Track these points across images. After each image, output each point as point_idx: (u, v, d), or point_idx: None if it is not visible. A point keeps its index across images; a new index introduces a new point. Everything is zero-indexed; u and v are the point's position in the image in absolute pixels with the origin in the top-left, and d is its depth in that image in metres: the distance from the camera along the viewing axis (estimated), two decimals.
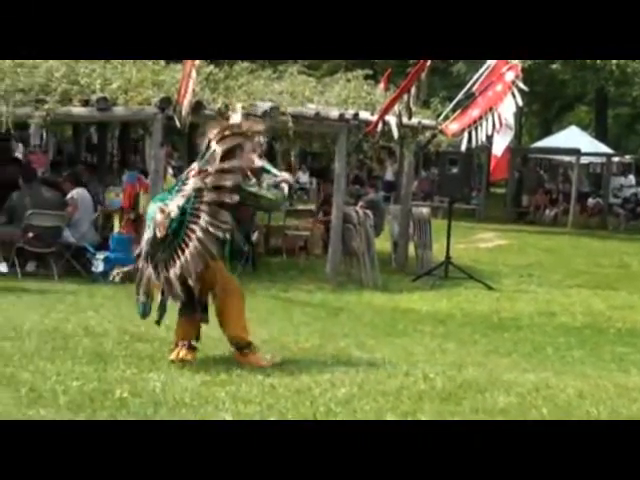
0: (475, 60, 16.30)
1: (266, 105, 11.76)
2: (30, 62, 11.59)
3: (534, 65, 22.46)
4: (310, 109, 12.19)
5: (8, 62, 11.44)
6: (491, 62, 11.45)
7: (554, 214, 27.36)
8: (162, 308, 6.95)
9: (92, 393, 5.77)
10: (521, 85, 11.20)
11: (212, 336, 8.07)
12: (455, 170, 13.56)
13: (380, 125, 11.84)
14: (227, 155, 6.61)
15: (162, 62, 12.30)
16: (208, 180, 6.57)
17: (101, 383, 6.04)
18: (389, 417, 5.64)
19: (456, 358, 7.75)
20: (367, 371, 6.98)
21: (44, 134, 22.76)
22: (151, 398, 5.78)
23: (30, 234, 11.31)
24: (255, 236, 14.25)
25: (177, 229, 6.57)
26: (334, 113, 12.13)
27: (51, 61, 11.66)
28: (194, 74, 10.64)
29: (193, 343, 7.04)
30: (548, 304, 11.56)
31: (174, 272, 6.56)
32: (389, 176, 27.55)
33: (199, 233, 6.54)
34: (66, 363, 6.56)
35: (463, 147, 11.58)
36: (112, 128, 17.20)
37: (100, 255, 11.62)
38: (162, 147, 11.61)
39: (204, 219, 6.56)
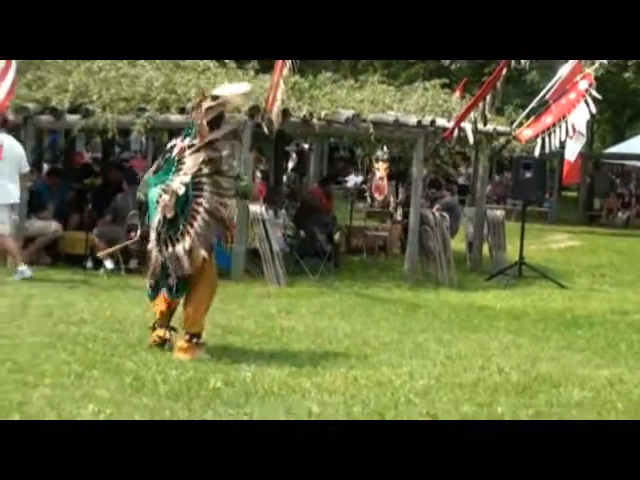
0: (544, 66, 16.06)
1: (348, 112, 11.80)
2: (132, 72, 11.86)
3: (606, 74, 22.05)
4: (390, 116, 12.19)
5: (113, 73, 11.73)
6: (563, 71, 11.30)
7: (626, 217, 26.78)
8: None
9: (189, 382, 5.88)
10: (594, 93, 11.03)
11: (297, 329, 8.18)
12: (529, 174, 13.43)
13: (456, 131, 11.80)
14: (212, 126, 6.61)
15: (252, 72, 12.44)
16: (203, 154, 6.55)
17: (197, 373, 6.15)
18: (466, 408, 5.65)
19: (530, 353, 7.67)
20: (444, 364, 6.98)
21: (143, 140, 23.17)
22: (242, 387, 5.88)
23: (133, 233, 11.51)
24: (337, 236, 14.30)
25: (183, 206, 6.52)
26: (412, 120, 12.11)
27: (151, 72, 11.92)
28: (282, 84, 10.75)
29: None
30: (621, 303, 11.33)
31: (182, 247, 6.52)
32: (462, 180, 27.36)
33: (205, 204, 6.53)
34: (165, 354, 6.70)
35: (537, 152, 11.43)
36: None
37: None
38: (251, 152, 11.72)
39: (208, 190, 6.55)
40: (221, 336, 7.69)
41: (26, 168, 10.87)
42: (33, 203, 11.48)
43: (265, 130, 11.09)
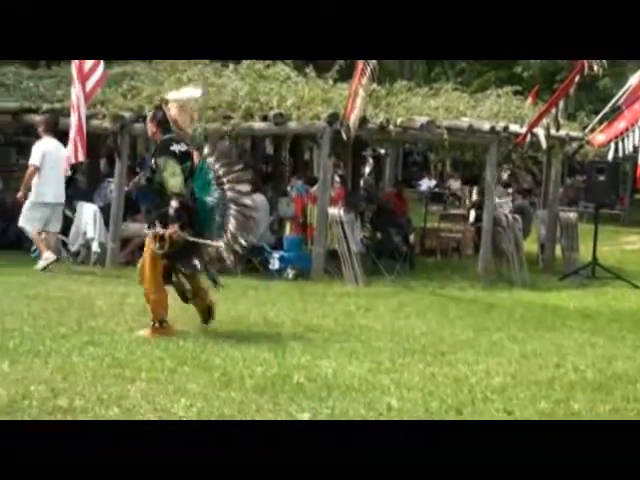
0: (617, 72, 15.68)
1: (423, 119, 11.75)
2: (219, 82, 12.00)
3: None
4: (463, 122, 12.10)
5: (201, 82, 11.86)
6: (634, 80, 11.11)
7: None
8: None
9: (274, 378, 5.89)
10: None
11: (375, 328, 8.16)
12: (602, 178, 13.19)
13: (529, 137, 11.66)
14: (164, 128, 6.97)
15: (330, 81, 12.47)
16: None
17: (281, 369, 6.16)
18: (543, 405, 5.55)
19: (605, 352, 7.50)
20: (519, 362, 6.88)
21: None
22: (324, 383, 5.86)
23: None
24: (412, 238, 14.26)
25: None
26: (486, 126, 11.98)
27: (236, 81, 12.05)
28: (361, 92, 10.74)
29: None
30: None
31: (223, 243, 7.04)
32: (526, 185, 26.97)
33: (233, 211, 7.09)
34: (250, 350, 6.72)
35: (610, 157, 11.22)
36: (285, 140, 17.51)
37: (276, 254, 11.87)
38: (330, 158, 11.75)
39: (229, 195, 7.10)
40: (303, 333, 7.70)
41: (67, 172, 11.10)
42: (129, 206, 11.70)
43: (343, 136, 11.11)
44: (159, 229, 6.91)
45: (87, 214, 11.57)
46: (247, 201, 7.28)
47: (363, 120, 11.26)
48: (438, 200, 23.72)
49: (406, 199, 15.31)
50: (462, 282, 11.76)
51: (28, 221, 10.81)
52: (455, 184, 27.68)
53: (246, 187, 7.27)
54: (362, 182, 19.23)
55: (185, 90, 7.55)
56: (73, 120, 10.66)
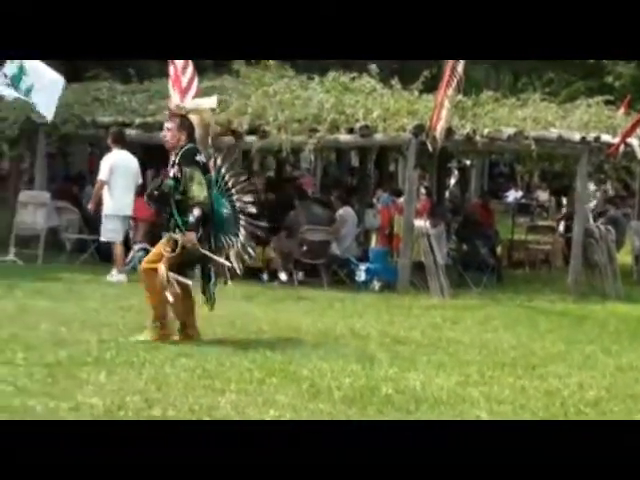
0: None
1: (510, 130, 11.61)
2: (305, 95, 12.09)
3: None
4: (552, 133, 11.90)
5: (287, 96, 12.01)
6: None
7: None
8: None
9: (362, 389, 5.88)
10: None
11: (463, 340, 8.08)
12: None
13: (622, 147, 11.40)
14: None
15: (416, 92, 12.43)
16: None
17: (369, 380, 6.15)
18: (638, 418, 5.40)
19: None
20: (614, 375, 6.73)
21: (312, 158, 23.54)
22: (413, 395, 5.83)
23: (304, 247, 11.73)
24: (499, 250, 14.08)
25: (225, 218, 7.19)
26: (576, 136, 11.76)
27: (322, 94, 12.12)
28: (447, 103, 10.68)
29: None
30: None
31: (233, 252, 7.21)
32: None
33: (242, 222, 7.25)
34: (338, 362, 6.72)
35: None
36: (370, 152, 17.51)
37: (362, 266, 11.87)
38: (416, 169, 11.71)
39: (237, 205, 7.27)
40: (390, 346, 7.67)
41: (139, 181, 11.32)
42: None
43: (429, 148, 11.06)
44: (175, 235, 6.97)
45: None
46: (253, 210, 7.40)
47: (449, 131, 11.20)
48: (525, 211, 23.38)
49: (492, 210, 15.14)
50: (552, 295, 11.54)
51: (107, 233, 11.09)
52: (543, 195, 27.24)
53: (250, 197, 7.39)
54: (447, 194, 19.10)
55: (202, 100, 7.62)
56: None
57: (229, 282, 7.45)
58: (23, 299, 8.58)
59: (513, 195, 26.95)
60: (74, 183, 14.70)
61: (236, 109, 11.85)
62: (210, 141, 7.35)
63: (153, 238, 12.42)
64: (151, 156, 14.23)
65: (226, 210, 7.24)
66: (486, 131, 11.59)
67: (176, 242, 6.96)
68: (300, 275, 11.91)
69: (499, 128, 11.72)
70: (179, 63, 10.67)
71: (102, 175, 11.12)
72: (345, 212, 12.46)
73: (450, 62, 10.76)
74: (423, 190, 14.10)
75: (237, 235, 7.26)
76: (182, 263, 7.09)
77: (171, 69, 10.67)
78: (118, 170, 11.06)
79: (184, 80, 10.77)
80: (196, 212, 6.88)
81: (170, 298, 6.99)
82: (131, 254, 12.00)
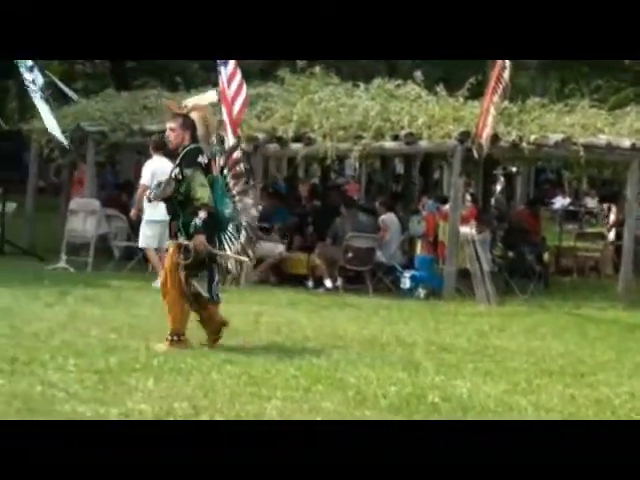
0: None
1: (558, 136, 11.51)
2: (350, 102, 12.11)
3: None
4: (601, 139, 11.76)
5: (332, 103, 12.02)
6: None
7: None
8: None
9: (408, 397, 5.86)
10: None
11: (510, 348, 8.01)
12: None
13: None
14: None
15: (461, 99, 12.37)
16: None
17: (415, 388, 6.13)
18: None
19: None
20: None
21: (356, 165, 23.54)
22: (459, 403, 5.80)
23: (349, 254, 11.73)
24: (546, 256, 13.94)
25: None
26: (626, 143, 11.61)
27: (367, 101, 12.13)
28: (492, 110, 10.63)
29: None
30: None
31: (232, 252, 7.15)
32: None
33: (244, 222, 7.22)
34: (384, 369, 6.71)
35: None
36: (415, 159, 17.47)
37: (407, 273, 11.84)
38: (461, 176, 11.66)
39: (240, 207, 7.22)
40: (436, 353, 7.64)
41: None
42: (262, 227, 11.91)
43: (475, 154, 11.00)
44: (183, 240, 6.93)
45: None
46: (254, 212, 7.39)
47: (495, 138, 11.14)
48: (573, 218, 23.14)
49: (539, 217, 15.00)
50: (601, 302, 11.39)
51: (146, 239, 11.19)
52: (592, 202, 26.92)
53: (251, 199, 7.37)
54: (493, 200, 18.95)
55: (203, 97, 7.58)
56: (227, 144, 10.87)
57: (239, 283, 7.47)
58: (74, 306, 8.70)
59: (560, 202, 26.66)
60: (123, 191, 14.87)
61: (281, 116, 11.91)
62: (213, 138, 7.23)
63: None
64: None
65: (228, 210, 7.18)
66: (533, 137, 11.49)
67: (186, 248, 6.91)
68: (344, 282, 11.89)
69: (546, 134, 11.61)
70: (226, 73, 10.73)
71: (144, 180, 11.25)
72: (388, 218, 12.46)
73: (496, 69, 10.70)
74: (468, 197, 14.03)
75: (237, 236, 7.21)
76: (191, 266, 7.03)
77: (220, 80, 10.77)
78: (158, 176, 11.15)
79: (230, 91, 10.85)
80: (202, 214, 6.83)
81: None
82: None
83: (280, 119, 11.87)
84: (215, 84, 11.63)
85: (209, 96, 7.46)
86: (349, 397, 5.79)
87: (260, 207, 11.74)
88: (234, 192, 7.26)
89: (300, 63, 13.22)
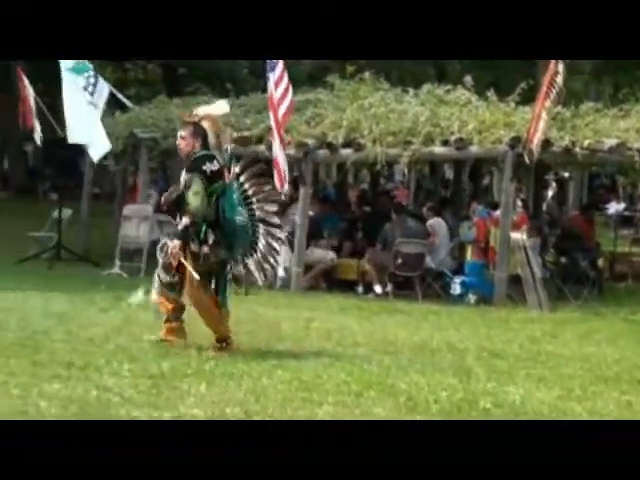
0: None
1: (612, 141, 11.37)
2: (400, 108, 12.09)
3: None
4: None
5: (382, 109, 12.01)
6: None
7: None
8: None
9: (459, 403, 5.83)
10: None
11: (563, 354, 7.91)
12: None
13: None
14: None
15: (512, 104, 12.28)
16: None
17: (466, 394, 6.09)
18: None
19: None
20: None
21: (405, 171, 23.48)
22: (512, 409, 5.75)
23: (399, 260, 11.71)
24: (600, 262, 13.75)
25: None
26: None
27: (416, 107, 12.10)
28: (544, 115, 10.53)
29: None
30: None
31: (253, 261, 7.14)
32: None
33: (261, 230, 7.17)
34: (435, 375, 6.68)
35: None
36: (465, 165, 17.39)
37: (457, 279, 11.78)
38: (512, 182, 11.57)
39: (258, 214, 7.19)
40: (487, 359, 7.59)
41: None
42: (312, 232, 11.96)
43: (526, 160, 10.92)
44: (196, 247, 6.91)
45: None
46: (276, 220, 7.30)
47: (546, 143, 11.04)
48: (628, 224, 22.81)
49: (593, 223, 14.82)
50: None
51: None
52: None
53: (274, 207, 7.29)
54: (545, 206, 18.78)
55: (214, 106, 7.59)
56: (274, 148, 10.96)
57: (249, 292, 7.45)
58: (128, 311, 8.81)
59: (614, 207, 26.31)
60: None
61: (331, 122, 11.94)
62: (227, 147, 7.25)
63: None
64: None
65: (240, 218, 7.08)
66: (586, 142, 11.36)
67: (193, 254, 6.90)
68: (392, 288, 11.85)
69: (600, 139, 11.48)
70: (273, 78, 10.81)
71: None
72: (436, 223, 12.42)
73: (548, 73, 10.61)
74: (519, 203, 13.92)
75: (256, 244, 7.17)
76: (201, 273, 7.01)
77: (268, 85, 10.85)
78: None
79: (277, 95, 10.91)
80: (184, 220, 6.82)
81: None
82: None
83: (330, 125, 11.90)
84: (264, 90, 11.75)
85: (220, 106, 7.51)
86: (400, 403, 5.77)
87: (311, 213, 11.96)
88: (254, 199, 7.21)
89: (349, 69, 13.25)
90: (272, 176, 7.96)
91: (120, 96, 14.15)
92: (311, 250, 12.00)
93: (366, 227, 13.17)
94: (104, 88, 12.65)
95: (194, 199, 6.77)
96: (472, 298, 11.49)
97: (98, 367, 6.26)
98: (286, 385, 6.08)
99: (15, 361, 6.31)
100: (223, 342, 7.09)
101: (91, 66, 12.56)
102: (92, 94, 12.38)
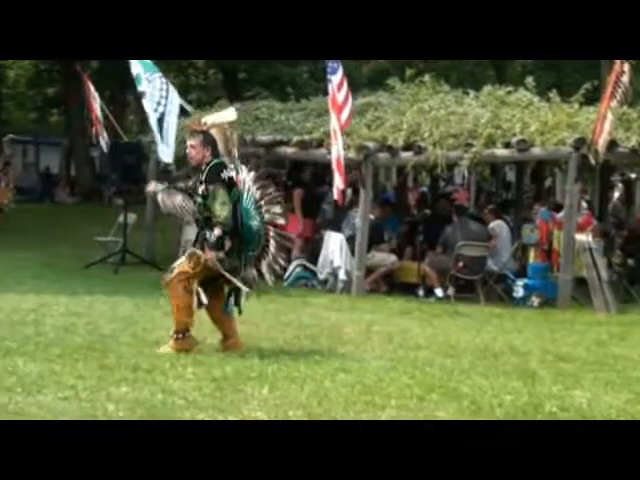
0: None
1: None
2: (460, 110, 12.00)
3: None
4: None
5: (442, 112, 11.93)
6: None
7: None
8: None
9: (524, 407, 5.76)
10: None
11: (631, 357, 7.76)
12: None
13: None
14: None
15: (576, 105, 12.10)
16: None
17: (531, 398, 6.02)
18: None
19: None
20: None
21: (465, 173, 23.30)
22: (578, 413, 5.68)
23: (460, 263, 11.62)
24: None
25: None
26: None
27: (477, 109, 11.99)
28: (609, 115, 10.36)
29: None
30: None
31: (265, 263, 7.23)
32: None
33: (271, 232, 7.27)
34: (498, 379, 6.62)
35: None
36: (526, 167, 17.18)
37: (520, 282, 11.64)
38: (576, 183, 11.39)
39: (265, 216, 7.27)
40: (552, 362, 7.48)
41: None
42: (374, 236, 11.94)
43: (591, 161, 10.74)
44: (198, 251, 6.97)
45: (334, 243, 11.92)
46: (282, 221, 7.39)
47: (612, 144, 10.84)
48: None
49: None
50: None
51: None
52: None
53: (279, 208, 7.36)
54: (610, 207, 18.46)
55: (221, 114, 7.60)
56: (334, 152, 10.99)
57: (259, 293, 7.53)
58: None
59: None
60: None
61: (391, 125, 11.89)
62: (235, 153, 7.32)
63: (309, 254, 12.72)
64: (299, 172, 14.54)
65: (256, 222, 7.24)
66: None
67: (199, 258, 6.96)
68: (452, 291, 11.76)
69: None
70: (335, 81, 10.84)
71: None
72: (497, 225, 12.30)
73: (613, 73, 10.43)
74: (584, 204, 13.71)
75: (267, 246, 7.27)
76: (205, 278, 7.08)
77: (329, 87, 10.89)
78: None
79: (339, 98, 10.94)
80: (216, 231, 6.87)
81: (195, 307, 7.06)
82: (289, 269, 12.26)
83: (390, 128, 11.85)
84: (325, 93, 11.77)
85: (228, 113, 7.58)
86: (463, 406, 5.73)
87: (371, 217, 11.94)
88: (262, 202, 7.31)
89: (409, 72, 13.19)
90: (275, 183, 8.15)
91: (183, 102, 14.31)
92: (372, 253, 11.97)
93: (427, 230, 13.09)
94: (173, 92, 12.83)
95: (223, 209, 6.89)
96: (535, 301, 11.35)
97: (163, 370, 6.33)
98: (348, 388, 6.07)
99: (83, 364, 6.43)
100: (181, 334, 7.07)
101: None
102: (167, 97, 12.58)
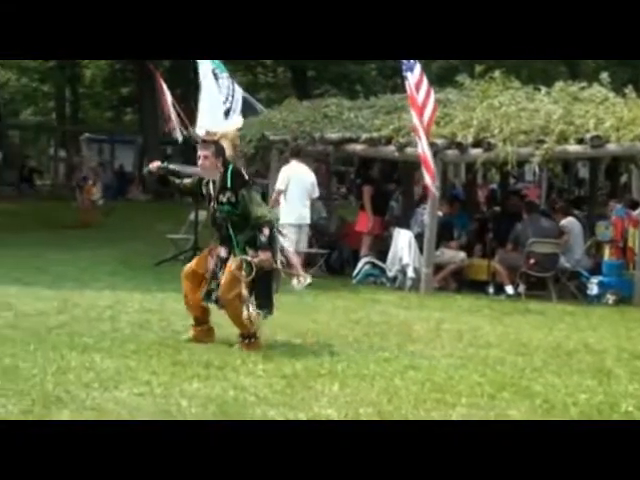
0: None
1: None
2: (531, 106, 11.82)
3: None
4: None
5: (513, 108, 11.77)
6: None
7: None
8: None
9: (599, 406, 5.67)
10: None
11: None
12: None
13: None
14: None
15: None
16: None
17: (607, 397, 5.92)
18: None
19: None
20: None
21: (536, 170, 22.98)
22: None
23: (532, 260, 11.45)
24: None
25: None
26: None
27: (549, 105, 11.79)
28: None
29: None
30: None
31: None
32: None
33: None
34: (572, 377, 6.52)
35: None
36: (600, 163, 16.86)
37: (594, 279, 11.43)
38: None
39: None
40: (629, 361, 7.34)
41: (315, 194, 11.99)
42: (442, 233, 11.85)
43: None
44: (247, 257, 6.93)
45: (403, 240, 11.86)
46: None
47: None
48: None
49: None
50: None
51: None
52: None
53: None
54: None
55: (228, 123, 7.65)
56: (419, 149, 10.95)
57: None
58: None
59: None
60: None
61: (461, 122, 11.77)
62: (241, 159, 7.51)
63: (378, 251, 12.68)
64: (367, 169, 14.51)
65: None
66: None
67: (249, 264, 6.93)
68: (521, 288, 11.59)
69: None
70: (412, 80, 10.78)
71: (279, 184, 11.85)
72: (568, 222, 12.09)
73: None
74: None
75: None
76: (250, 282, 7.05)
77: (407, 85, 10.84)
78: (293, 180, 11.82)
79: (419, 98, 10.88)
80: (266, 231, 6.92)
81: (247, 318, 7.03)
82: (358, 267, 12.27)
83: (459, 125, 11.74)
84: (393, 90, 11.73)
85: (234, 123, 7.72)
86: (536, 405, 5.65)
87: (440, 214, 11.84)
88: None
89: (479, 68, 13.03)
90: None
91: (254, 101, 14.41)
92: (441, 250, 11.88)
93: (497, 227, 12.94)
94: (238, 93, 12.97)
95: (262, 210, 7.07)
96: (610, 298, 11.13)
97: (234, 367, 6.37)
98: (419, 386, 6.04)
99: (157, 360, 6.51)
100: (253, 338, 7.11)
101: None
102: (233, 96, 12.75)
